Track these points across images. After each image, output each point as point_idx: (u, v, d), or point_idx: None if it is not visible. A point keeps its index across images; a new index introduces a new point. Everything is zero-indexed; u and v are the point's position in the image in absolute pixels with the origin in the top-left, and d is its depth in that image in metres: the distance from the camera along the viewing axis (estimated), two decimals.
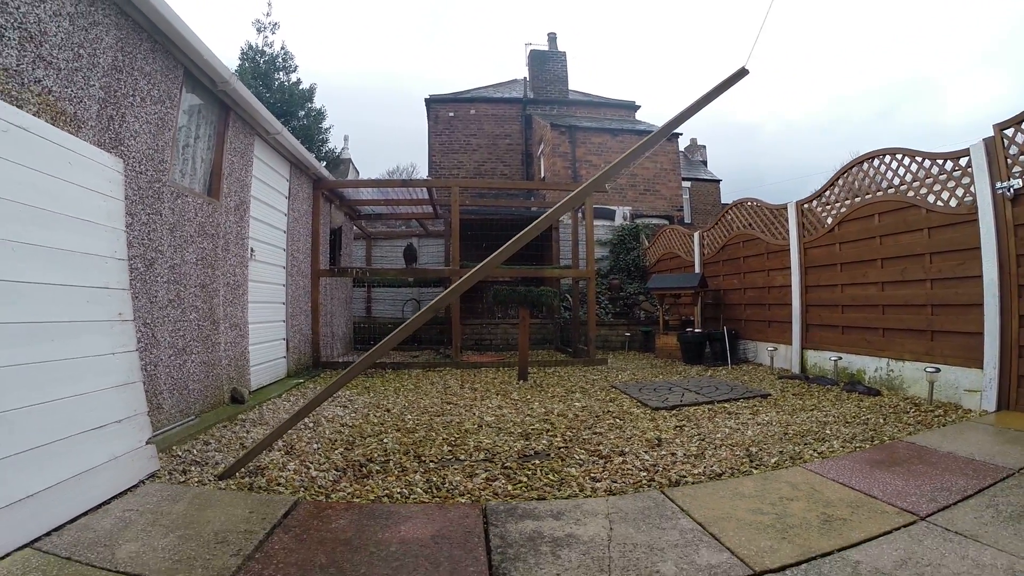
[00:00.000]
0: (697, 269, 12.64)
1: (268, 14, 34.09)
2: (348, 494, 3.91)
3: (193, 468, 4.39)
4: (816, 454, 4.64)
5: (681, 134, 21.12)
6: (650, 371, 9.99)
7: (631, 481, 4.11)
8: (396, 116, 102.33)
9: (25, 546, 2.94)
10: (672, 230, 14.76)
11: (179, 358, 5.71)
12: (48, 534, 3.10)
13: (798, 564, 2.76)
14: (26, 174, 3.54)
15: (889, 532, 3.06)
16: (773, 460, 4.50)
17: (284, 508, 3.53)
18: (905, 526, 3.13)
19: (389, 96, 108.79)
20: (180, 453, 4.77)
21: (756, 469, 4.32)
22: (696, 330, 11.24)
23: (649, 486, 4.01)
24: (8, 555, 2.84)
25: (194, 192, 6.21)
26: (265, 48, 25.70)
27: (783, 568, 2.73)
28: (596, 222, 16.66)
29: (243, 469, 4.30)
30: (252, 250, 7.78)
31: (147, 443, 4.20)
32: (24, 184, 3.51)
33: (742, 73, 4.84)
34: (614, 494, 3.86)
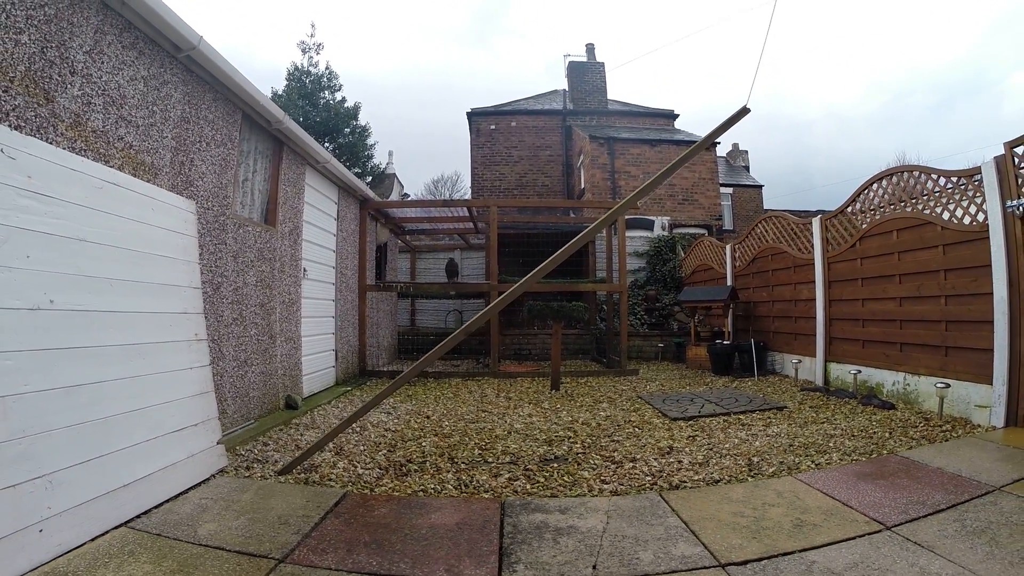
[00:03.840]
0: (729, 281, 12.89)
1: (312, 35, 35.26)
2: (389, 488, 4.55)
3: (255, 465, 5.07)
4: (813, 465, 4.94)
5: (720, 142, 21.42)
6: (678, 382, 10.35)
7: (636, 484, 4.60)
8: (440, 118, 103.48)
9: (121, 525, 3.63)
10: (706, 242, 15.07)
11: (241, 369, 6.42)
12: (139, 516, 3.79)
13: (759, 560, 3.16)
14: (119, 222, 4.29)
15: (852, 539, 3.38)
16: (771, 470, 4.84)
17: (335, 499, 4.20)
18: (869, 534, 3.44)
19: (431, 95, 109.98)
20: (243, 452, 5.46)
21: (752, 477, 4.68)
22: (725, 342, 11.55)
23: (651, 489, 4.48)
24: (108, 532, 3.52)
25: (253, 221, 6.96)
26: (311, 68, 26.78)
27: (745, 562, 3.15)
28: (634, 232, 17.13)
29: (299, 467, 4.97)
30: (305, 270, 8.53)
31: (217, 443, 4.92)
32: (118, 231, 4.26)
33: (744, 112, 5.41)
34: (617, 495, 4.38)
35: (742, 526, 3.63)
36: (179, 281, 4.91)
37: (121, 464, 3.83)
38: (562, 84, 27.91)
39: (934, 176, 7.33)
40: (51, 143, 3.86)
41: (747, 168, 36.77)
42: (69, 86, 4.08)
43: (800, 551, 3.25)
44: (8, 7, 3.54)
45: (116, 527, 3.60)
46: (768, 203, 33.20)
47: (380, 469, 5.06)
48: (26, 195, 3.47)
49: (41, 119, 3.83)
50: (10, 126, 3.54)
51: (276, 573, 3.07)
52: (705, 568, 3.12)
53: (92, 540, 3.39)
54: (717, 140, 21.26)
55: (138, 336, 4.26)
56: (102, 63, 4.40)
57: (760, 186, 33.69)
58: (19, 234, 3.38)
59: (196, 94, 5.67)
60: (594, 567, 3.17)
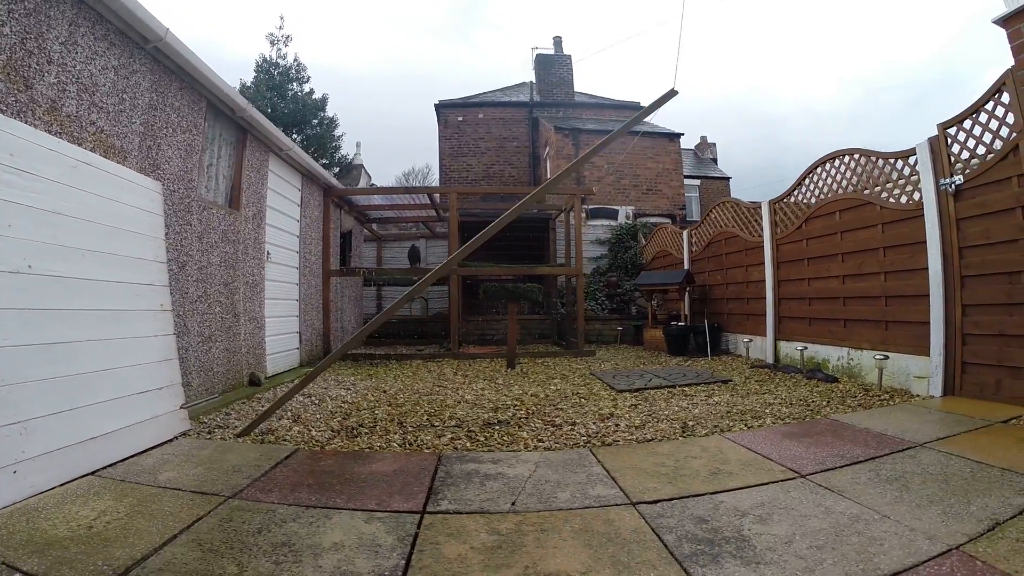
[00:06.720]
0: (686, 266, 13.33)
1: (281, 27, 35.64)
2: (339, 446, 4.94)
3: (217, 430, 5.45)
4: (744, 427, 5.25)
5: (683, 134, 21.96)
6: (634, 361, 10.80)
7: (570, 443, 4.91)
8: (415, 111, 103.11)
9: (89, 474, 3.99)
10: (665, 229, 15.57)
11: (205, 344, 6.78)
12: (104, 468, 4.13)
13: (670, 500, 3.43)
14: (91, 199, 4.66)
15: (764, 484, 3.63)
16: (704, 432, 5.11)
17: (286, 453, 4.61)
18: (782, 480, 3.70)
19: (409, 88, 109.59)
20: (206, 420, 5.83)
21: (684, 438, 4.94)
22: (680, 323, 12.02)
23: (584, 447, 4.77)
24: (77, 479, 3.88)
25: (217, 204, 7.31)
26: (279, 60, 27.01)
27: (656, 501, 3.42)
28: (598, 222, 17.86)
29: (258, 429, 5.37)
30: (268, 253, 8.89)
31: (180, 408, 5.30)
32: (90, 206, 4.63)
33: (672, 93, 5.88)
34: (551, 450, 4.71)
35: (661, 474, 3.92)
36: (146, 255, 5.29)
37: (91, 417, 4.19)
38: (522, 80, 28.28)
39: (873, 158, 7.65)
40: (30, 126, 4.21)
41: (715, 160, 37.60)
42: (46, 74, 4.44)
43: (711, 493, 3.53)
44: None
45: (85, 475, 3.94)
46: (736, 194, 34.02)
47: (332, 432, 5.44)
48: (8, 171, 3.83)
49: (21, 104, 4.19)
50: None
51: (224, 507, 3.45)
52: (616, 505, 3.40)
53: (62, 485, 3.72)
54: (681, 132, 21.93)
55: (109, 302, 4.65)
56: (76, 53, 4.76)
57: (727, 178, 34.57)
58: (2, 205, 3.74)
59: (163, 83, 6.02)
60: (513, 503, 3.53)
